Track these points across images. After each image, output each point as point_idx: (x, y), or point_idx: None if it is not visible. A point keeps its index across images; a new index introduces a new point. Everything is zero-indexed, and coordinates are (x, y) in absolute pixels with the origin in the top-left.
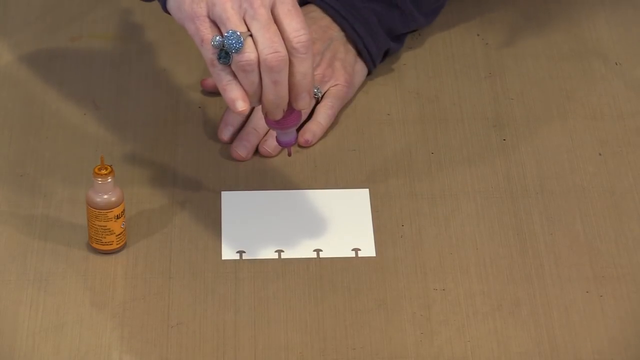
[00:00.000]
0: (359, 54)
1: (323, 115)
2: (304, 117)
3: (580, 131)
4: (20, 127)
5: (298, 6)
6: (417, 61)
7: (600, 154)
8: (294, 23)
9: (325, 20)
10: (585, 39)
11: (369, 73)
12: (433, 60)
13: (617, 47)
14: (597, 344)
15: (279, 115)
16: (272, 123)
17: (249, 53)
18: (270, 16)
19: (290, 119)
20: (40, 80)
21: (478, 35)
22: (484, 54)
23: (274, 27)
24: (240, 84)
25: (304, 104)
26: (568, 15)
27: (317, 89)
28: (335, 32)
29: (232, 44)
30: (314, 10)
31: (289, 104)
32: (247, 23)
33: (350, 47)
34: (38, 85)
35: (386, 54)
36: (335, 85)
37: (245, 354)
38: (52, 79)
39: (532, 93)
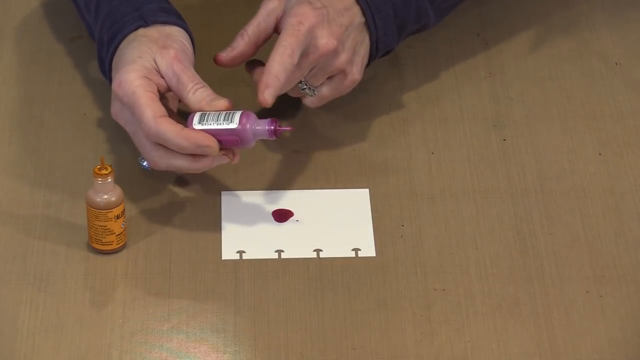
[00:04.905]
0: (370, 45)
1: (326, 88)
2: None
3: (580, 131)
4: (20, 127)
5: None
6: (417, 61)
7: (600, 154)
8: None
9: (347, 1)
10: (585, 39)
11: (366, 66)
12: (433, 60)
13: (617, 47)
14: (597, 344)
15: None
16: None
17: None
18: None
19: (227, 141)
20: (40, 80)
21: (478, 35)
22: (484, 54)
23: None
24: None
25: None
26: (568, 15)
27: (311, 89)
28: (357, 17)
29: (145, 166)
30: None
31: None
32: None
33: (366, 36)
34: (38, 85)
35: (386, 54)
36: (345, 79)
37: (245, 354)
38: (52, 79)
39: (532, 93)
